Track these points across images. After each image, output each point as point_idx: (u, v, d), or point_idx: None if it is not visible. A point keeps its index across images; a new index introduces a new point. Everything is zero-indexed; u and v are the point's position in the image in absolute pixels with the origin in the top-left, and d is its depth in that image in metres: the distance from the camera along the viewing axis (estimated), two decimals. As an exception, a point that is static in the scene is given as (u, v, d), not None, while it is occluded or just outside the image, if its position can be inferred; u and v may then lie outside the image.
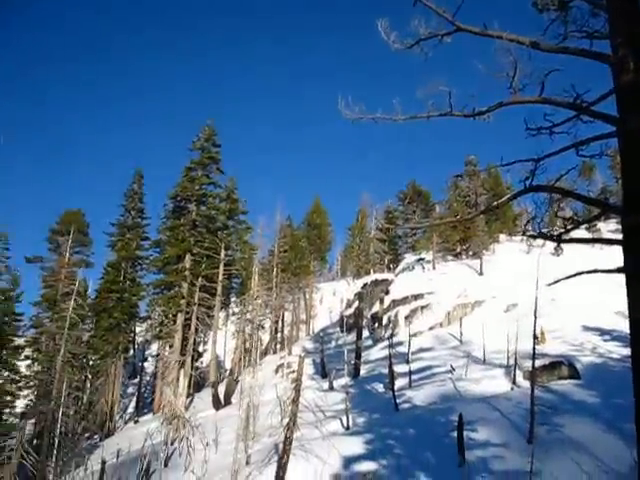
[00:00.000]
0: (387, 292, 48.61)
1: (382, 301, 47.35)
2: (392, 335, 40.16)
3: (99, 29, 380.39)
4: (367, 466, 19.03)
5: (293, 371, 35.15)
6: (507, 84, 10.15)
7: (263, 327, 53.83)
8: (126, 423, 49.56)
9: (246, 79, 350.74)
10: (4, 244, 48.41)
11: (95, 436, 45.59)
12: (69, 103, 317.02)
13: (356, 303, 48.72)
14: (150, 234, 53.58)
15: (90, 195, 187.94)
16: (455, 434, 18.78)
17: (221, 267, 45.94)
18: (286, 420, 20.47)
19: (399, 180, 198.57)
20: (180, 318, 44.52)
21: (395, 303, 45.89)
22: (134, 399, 55.87)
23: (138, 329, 59.75)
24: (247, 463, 23.84)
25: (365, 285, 54.20)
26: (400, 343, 37.66)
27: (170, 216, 48.88)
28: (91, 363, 48.41)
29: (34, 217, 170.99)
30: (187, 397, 43.00)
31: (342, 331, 44.84)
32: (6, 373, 44.79)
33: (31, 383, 46.38)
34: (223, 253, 46.12)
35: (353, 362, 35.65)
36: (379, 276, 56.71)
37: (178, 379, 41.72)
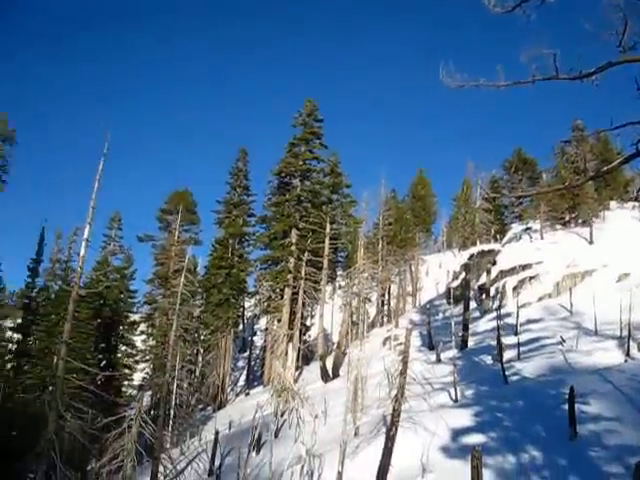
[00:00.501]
0: (494, 263, 47.75)
1: (489, 272, 46.56)
2: (500, 306, 39.54)
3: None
4: (476, 439, 18.84)
5: (400, 343, 35.10)
6: (616, 43, 9.73)
7: (370, 300, 53.89)
8: (237, 395, 50.93)
9: (345, 51, 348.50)
10: (118, 225, 50.51)
11: (208, 408, 47.10)
12: (174, 83, 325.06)
13: (463, 274, 48.16)
14: (256, 210, 54.49)
15: (197, 174, 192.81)
16: (566, 407, 18.33)
17: (327, 241, 46.34)
18: (394, 392, 20.48)
19: (504, 148, 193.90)
20: (287, 292, 45.21)
21: (502, 274, 45.04)
22: (244, 372, 57.29)
23: (247, 304, 61.05)
24: (355, 435, 24.10)
25: (471, 256, 53.46)
26: (508, 314, 37.02)
27: (275, 192, 49.55)
28: (202, 338, 49.88)
29: (144, 197, 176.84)
30: (296, 370, 43.74)
31: (449, 303, 44.29)
32: (124, 348, 46.94)
33: (147, 357, 48.40)
34: (328, 227, 46.47)
35: (460, 334, 35.31)
36: (485, 247, 55.80)
37: (287, 352, 42.49)
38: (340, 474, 19.58)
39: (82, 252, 25.56)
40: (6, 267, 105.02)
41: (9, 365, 41.30)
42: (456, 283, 51.23)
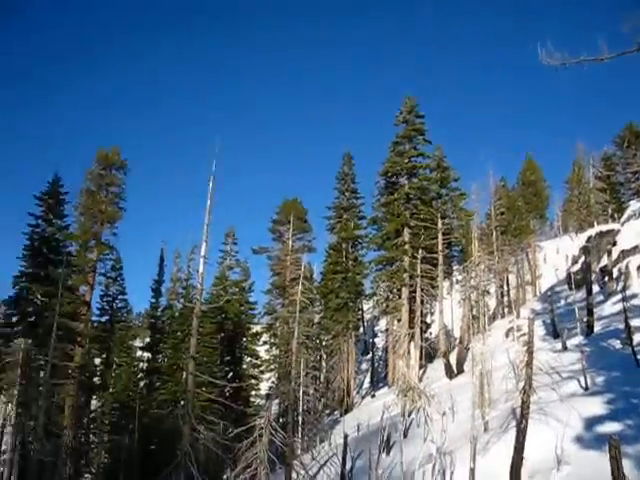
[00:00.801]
0: (614, 243, 45.78)
1: (610, 253, 44.66)
2: (625, 288, 37.90)
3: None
4: (611, 427, 18.15)
5: (523, 334, 34.26)
6: None
7: (488, 292, 53.01)
8: (363, 398, 51.18)
9: (438, 39, 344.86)
10: (232, 240, 51.78)
11: (335, 412, 47.54)
12: (274, 91, 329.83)
13: (582, 258, 46.49)
14: (366, 212, 54.64)
15: (304, 182, 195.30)
16: None
17: (440, 237, 45.87)
18: (521, 384, 20.06)
19: (613, 125, 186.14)
20: (405, 292, 45.05)
21: (624, 254, 43.08)
22: (368, 374, 57.51)
23: (365, 306, 61.36)
24: (485, 430, 23.71)
25: (589, 238, 51.49)
26: (634, 295, 35.40)
27: (383, 192, 49.51)
28: (324, 343, 50.45)
29: (255, 209, 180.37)
30: (419, 368, 43.52)
31: (570, 289, 42.82)
32: (248, 359, 48.08)
33: (271, 366, 49.37)
34: (440, 222, 46.00)
35: (585, 319, 34.11)
36: (603, 227, 53.65)
37: (409, 351, 42.26)
38: (472, 471, 19.35)
39: (201, 269, 26.48)
40: (131, 290, 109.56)
41: (142, 383, 43.09)
42: (576, 267, 49.46)
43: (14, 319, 40.42)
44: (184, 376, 38.98)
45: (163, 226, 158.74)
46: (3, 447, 55.11)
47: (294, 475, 27.71)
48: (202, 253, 26.58)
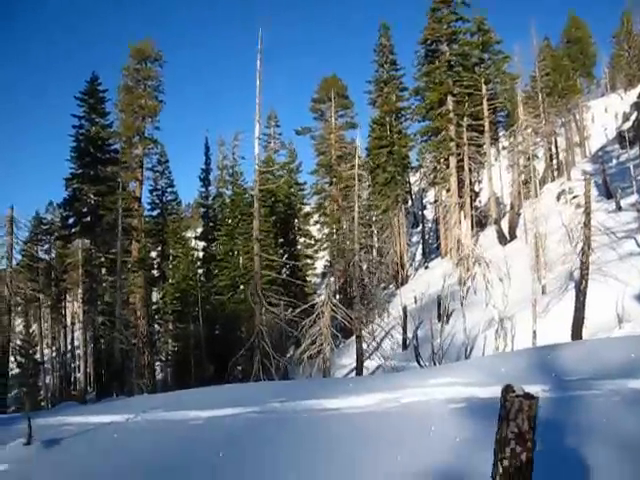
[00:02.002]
0: (667, 97, 44.76)
1: (662, 107, 43.82)
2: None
3: None
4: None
5: (575, 196, 34.36)
6: None
7: (537, 156, 52.47)
8: (416, 270, 52.18)
9: None
10: (275, 123, 51.88)
11: (390, 286, 48.68)
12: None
13: (634, 115, 45.65)
14: (407, 84, 53.84)
15: (341, 57, 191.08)
16: None
17: (484, 103, 45.20)
18: (579, 246, 20.36)
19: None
20: (452, 161, 44.98)
21: (678, 105, 42.21)
22: (420, 246, 58.32)
23: (412, 179, 61.34)
24: (543, 293, 24.32)
25: (640, 94, 50.34)
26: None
27: (423, 62, 48.55)
28: (374, 219, 51.05)
29: (294, 89, 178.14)
30: (471, 237, 44.00)
31: (622, 147, 42.29)
32: (302, 239, 49.11)
33: (324, 245, 50.46)
34: (484, 88, 45.19)
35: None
36: (655, 81, 52.27)
37: (460, 221, 42.67)
38: (535, 333, 20.03)
39: (256, 150, 26.95)
40: (179, 182, 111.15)
41: (200, 271, 44.51)
42: (627, 125, 48.50)
43: (70, 221, 41.73)
44: (241, 261, 40.30)
45: (205, 115, 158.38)
46: (76, 342, 58.29)
47: (364, 346, 28.88)
48: (255, 134, 26.96)
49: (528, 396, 3.95)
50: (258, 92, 27.14)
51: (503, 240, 40.42)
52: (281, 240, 45.04)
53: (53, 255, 55.68)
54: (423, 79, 48.12)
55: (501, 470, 4.00)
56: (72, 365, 58.48)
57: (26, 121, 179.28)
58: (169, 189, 49.94)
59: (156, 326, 45.77)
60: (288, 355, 34.44)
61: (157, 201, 49.28)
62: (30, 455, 8.13)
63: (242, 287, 40.09)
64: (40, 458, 8.03)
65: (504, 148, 59.28)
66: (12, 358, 47.51)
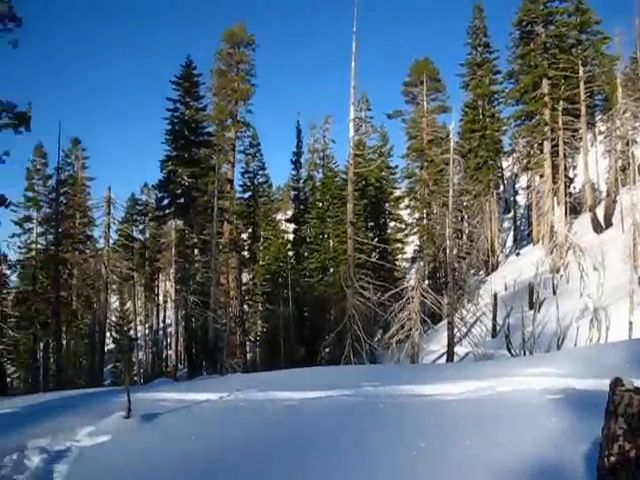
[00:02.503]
0: None
1: None
2: None
3: None
4: None
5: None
6: None
7: (636, 141, 50.98)
8: (507, 257, 51.60)
9: None
10: (366, 106, 52.04)
11: (480, 272, 48.39)
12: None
13: None
14: (501, 67, 52.94)
15: (434, 40, 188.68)
16: None
17: (581, 86, 44.13)
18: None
19: None
20: (547, 146, 44.19)
21: None
22: (511, 233, 57.63)
23: (504, 164, 60.58)
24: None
25: None
26: None
27: (518, 44, 47.65)
28: (465, 204, 50.67)
29: (386, 72, 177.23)
30: (565, 224, 43.23)
31: None
32: (392, 223, 49.25)
33: (414, 229, 50.48)
34: (581, 70, 44.11)
35: None
36: None
37: (553, 207, 42.02)
38: (631, 324, 19.76)
39: (351, 132, 27.29)
40: (270, 164, 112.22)
41: (290, 254, 45.22)
42: None
43: (165, 202, 43.06)
44: (331, 244, 40.80)
45: (297, 98, 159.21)
46: (167, 321, 60.20)
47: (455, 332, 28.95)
48: (350, 116, 27.26)
49: (639, 391, 3.87)
50: (353, 74, 27.42)
51: (598, 228, 39.58)
52: (371, 224, 45.27)
53: (147, 235, 57.55)
54: (517, 62, 47.36)
55: (607, 465, 3.94)
56: (164, 343, 60.45)
57: (123, 104, 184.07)
58: (260, 172, 50.84)
59: (246, 307, 46.80)
60: (376, 339, 34.75)
61: (249, 183, 50.25)
62: (130, 428, 8.40)
63: (332, 270, 40.58)
64: (139, 431, 8.31)
65: (601, 133, 57.82)
66: (108, 334, 49.56)
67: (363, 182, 42.59)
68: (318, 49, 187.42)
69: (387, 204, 49.11)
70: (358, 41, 27.77)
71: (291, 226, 51.45)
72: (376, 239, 43.19)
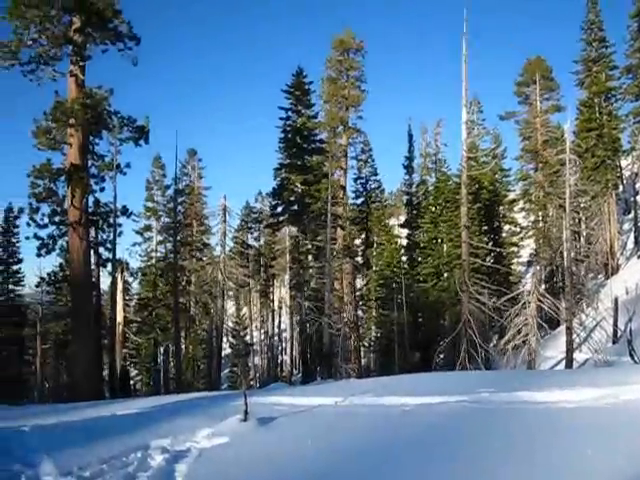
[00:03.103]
0: None
1: None
2: None
3: None
4: None
5: None
6: None
7: None
8: (628, 260, 49.90)
9: None
10: (478, 108, 51.56)
11: (599, 276, 47.04)
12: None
13: None
14: (618, 61, 51.42)
15: (546, 38, 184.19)
16: None
17: None
18: None
19: None
20: (669, 143, 42.78)
21: None
22: (631, 235, 55.66)
23: (623, 163, 58.68)
24: None
25: None
26: None
27: (636, 36, 46.30)
28: (582, 205, 49.45)
29: (497, 73, 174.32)
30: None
31: None
32: (507, 227, 48.63)
33: (530, 233, 49.67)
34: None
35: None
36: None
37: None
38: None
39: (463, 135, 27.33)
40: (382, 169, 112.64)
41: (403, 259, 45.38)
42: None
43: (279, 209, 44.09)
44: (445, 248, 40.72)
45: (408, 102, 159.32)
46: (282, 326, 61.44)
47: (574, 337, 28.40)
48: (463, 119, 27.28)
49: None
50: (464, 76, 27.46)
51: None
52: (485, 228, 44.79)
53: (262, 242, 59.01)
54: (636, 55, 45.98)
55: None
56: (279, 348, 61.68)
57: (236, 114, 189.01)
58: (373, 177, 51.29)
59: (360, 312, 47.23)
60: (491, 345, 34.50)
61: (361, 189, 50.79)
62: (247, 430, 8.58)
63: (446, 275, 40.49)
64: (256, 434, 8.48)
65: None
66: (225, 339, 51.08)
67: (476, 185, 42.28)
68: (428, 52, 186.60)
69: (501, 207, 48.44)
70: (468, 42, 27.78)
71: (404, 231, 51.46)
72: (490, 243, 42.78)
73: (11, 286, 49.96)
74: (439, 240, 42.26)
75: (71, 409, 16.40)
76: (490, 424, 8.00)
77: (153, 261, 52.19)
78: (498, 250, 41.53)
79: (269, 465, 6.55)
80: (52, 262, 60.22)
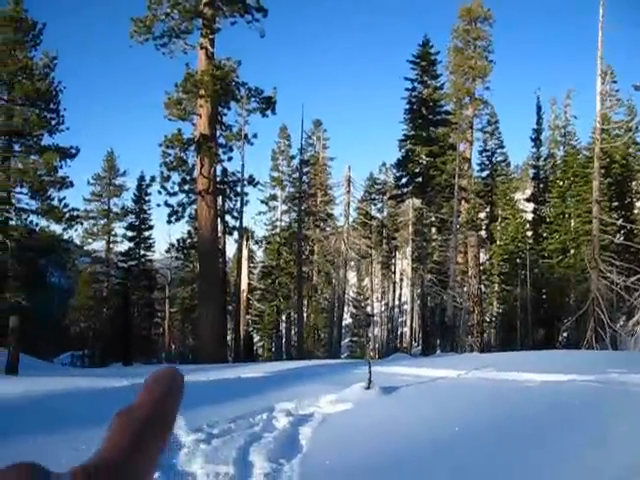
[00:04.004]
0: None
1: None
2: None
3: None
4: None
5: None
6: None
7: None
8: None
9: None
10: (612, 78, 49.51)
11: None
12: None
13: None
14: None
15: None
16: None
17: None
18: None
19: None
20: None
21: None
22: None
23: None
24: None
25: None
26: None
27: None
28: None
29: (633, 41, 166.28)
30: None
31: None
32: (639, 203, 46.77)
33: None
34: None
35: None
36: None
37: None
38: None
39: (597, 107, 26.63)
40: (509, 142, 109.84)
41: (529, 234, 44.48)
42: None
43: (403, 181, 44.15)
44: (572, 224, 39.75)
45: (535, 73, 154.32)
46: (403, 298, 61.75)
47: None
48: (597, 89, 26.59)
49: None
50: (600, 44, 26.66)
51: None
52: (616, 204, 43.20)
53: (385, 214, 59.15)
54: None
55: None
56: (399, 320, 61.94)
57: (361, 85, 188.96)
58: (499, 150, 50.28)
59: (482, 287, 46.80)
60: (618, 325, 33.57)
61: (486, 162, 49.95)
62: (370, 399, 8.68)
63: (572, 251, 39.50)
64: (379, 402, 8.59)
65: None
66: (345, 309, 51.91)
67: (607, 159, 40.85)
68: (558, 20, 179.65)
69: (634, 183, 46.51)
70: (606, 7, 26.90)
71: (530, 205, 50.32)
72: (621, 219, 41.27)
73: (142, 251, 52.46)
74: (566, 215, 41.13)
75: (197, 370, 17.35)
76: (620, 407, 7.74)
77: (277, 230, 53.36)
78: (630, 227, 40.02)
79: (392, 433, 6.68)
80: (181, 229, 62.62)
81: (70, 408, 8.30)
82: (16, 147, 35.36)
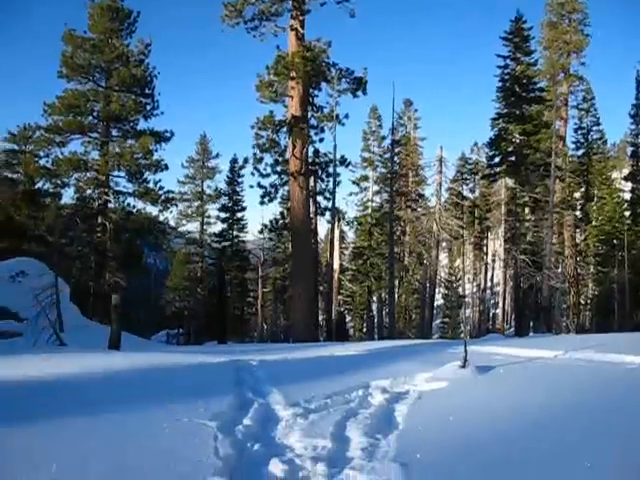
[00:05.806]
0: None
1: None
2: None
3: None
4: None
5: None
6: None
7: None
8: None
9: None
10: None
11: None
12: None
13: None
14: None
15: None
16: None
17: None
18: None
19: None
20: None
21: None
22: None
23: None
24: None
25: None
26: None
27: None
28: None
29: None
30: None
31: None
32: None
33: None
34: None
35: None
36: None
37: None
38: None
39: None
40: (606, 120, 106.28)
41: (626, 214, 43.35)
42: None
43: (495, 160, 43.68)
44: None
45: (634, 45, 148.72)
46: (495, 279, 61.27)
47: None
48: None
49: None
50: None
51: None
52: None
53: (477, 194, 58.72)
54: None
55: None
56: (491, 301, 61.54)
57: (452, 64, 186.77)
58: (595, 127, 49.11)
59: (577, 268, 45.96)
60: None
61: (582, 140, 48.84)
62: (465, 377, 8.62)
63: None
64: (474, 380, 8.52)
65: None
66: (437, 290, 51.92)
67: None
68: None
69: None
70: None
71: (628, 185, 48.90)
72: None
73: (235, 232, 53.77)
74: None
75: (290, 348, 17.85)
76: None
77: (369, 211, 53.57)
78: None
79: (488, 413, 6.65)
80: (273, 210, 63.73)
81: (173, 380, 8.85)
82: (114, 132, 36.98)
